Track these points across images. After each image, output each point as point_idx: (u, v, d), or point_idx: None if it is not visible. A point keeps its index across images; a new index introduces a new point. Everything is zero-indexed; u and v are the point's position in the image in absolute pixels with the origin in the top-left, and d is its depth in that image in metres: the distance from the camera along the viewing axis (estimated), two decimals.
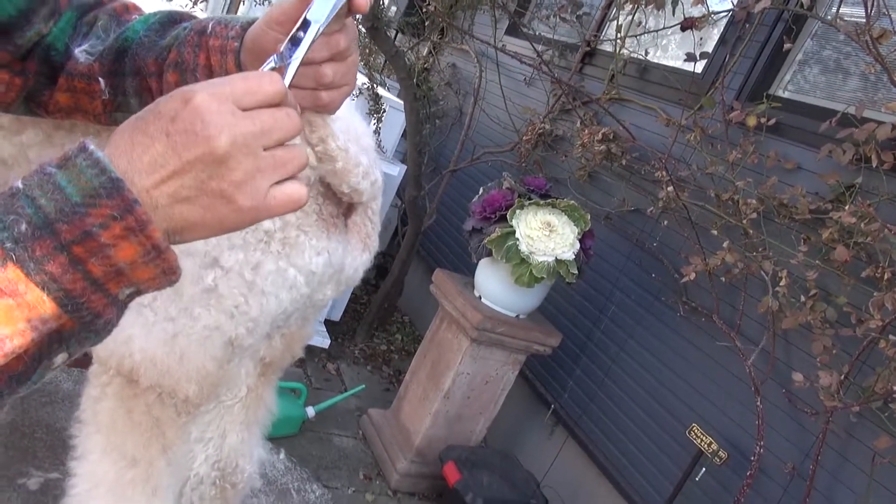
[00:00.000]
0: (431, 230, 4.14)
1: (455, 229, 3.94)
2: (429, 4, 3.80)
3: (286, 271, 1.04)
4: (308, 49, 0.58)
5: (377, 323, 3.95)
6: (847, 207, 2.01)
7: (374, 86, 3.39)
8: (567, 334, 2.95)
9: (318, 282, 1.11)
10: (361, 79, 3.91)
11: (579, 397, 2.93)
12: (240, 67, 0.70)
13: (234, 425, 1.20)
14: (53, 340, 0.47)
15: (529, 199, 2.61)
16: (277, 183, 0.51)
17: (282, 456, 1.49)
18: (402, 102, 3.29)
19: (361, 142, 1.12)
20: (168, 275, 0.49)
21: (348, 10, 0.61)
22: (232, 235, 1.02)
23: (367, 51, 4.14)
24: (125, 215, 0.46)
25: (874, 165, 2.01)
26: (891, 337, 1.89)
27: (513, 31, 4.14)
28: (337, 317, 3.75)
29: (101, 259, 0.46)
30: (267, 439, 2.45)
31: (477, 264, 2.77)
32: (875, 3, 1.96)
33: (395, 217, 4.43)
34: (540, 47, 3.69)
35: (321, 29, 0.59)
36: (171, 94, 0.49)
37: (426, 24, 4.59)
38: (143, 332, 1.01)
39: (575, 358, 3.01)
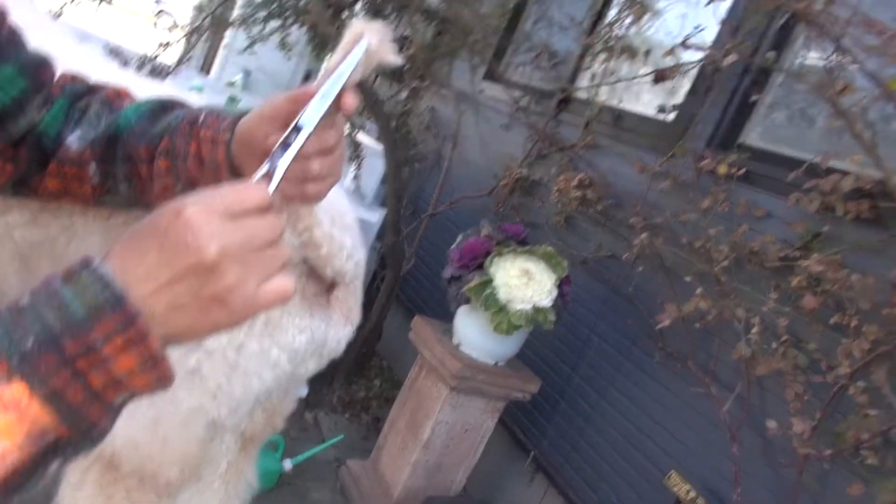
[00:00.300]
0: (410, 274, 4.15)
1: (433, 273, 3.95)
2: (408, 49, 3.87)
3: (269, 351, 1.04)
4: (296, 153, 0.61)
5: (355, 369, 3.92)
6: (814, 256, 2.05)
7: (354, 132, 3.42)
8: (546, 380, 2.95)
9: (300, 359, 1.11)
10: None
11: (559, 444, 2.91)
12: (230, 158, 0.72)
13: (213, 501, 1.19)
14: (50, 451, 0.49)
15: (507, 246, 2.64)
16: (266, 280, 0.54)
17: None
18: (381, 148, 3.32)
19: (345, 220, 1.14)
20: (163, 381, 0.51)
21: (337, 108, 0.64)
22: None
23: None
24: (127, 328, 0.48)
25: (840, 215, 2.06)
26: (859, 383, 1.92)
27: (491, 76, 4.22)
28: None
29: (102, 371, 0.48)
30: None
31: (455, 311, 2.77)
32: (837, 58, 2.04)
33: (373, 261, 4.44)
34: (517, 94, 3.77)
35: (310, 133, 0.62)
36: (163, 208, 0.52)
37: (405, 68, 4.67)
38: (125, 417, 1.00)
39: (554, 404, 3.00)
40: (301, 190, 0.69)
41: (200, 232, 0.50)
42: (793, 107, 2.60)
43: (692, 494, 2.21)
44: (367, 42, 0.64)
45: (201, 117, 0.75)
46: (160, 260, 0.50)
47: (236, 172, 0.73)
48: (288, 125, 0.63)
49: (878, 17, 2.09)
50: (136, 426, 1.01)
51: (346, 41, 0.65)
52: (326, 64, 0.66)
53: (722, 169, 2.45)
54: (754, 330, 2.19)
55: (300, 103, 0.63)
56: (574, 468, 2.81)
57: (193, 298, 0.50)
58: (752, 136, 2.66)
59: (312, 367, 1.17)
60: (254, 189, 0.55)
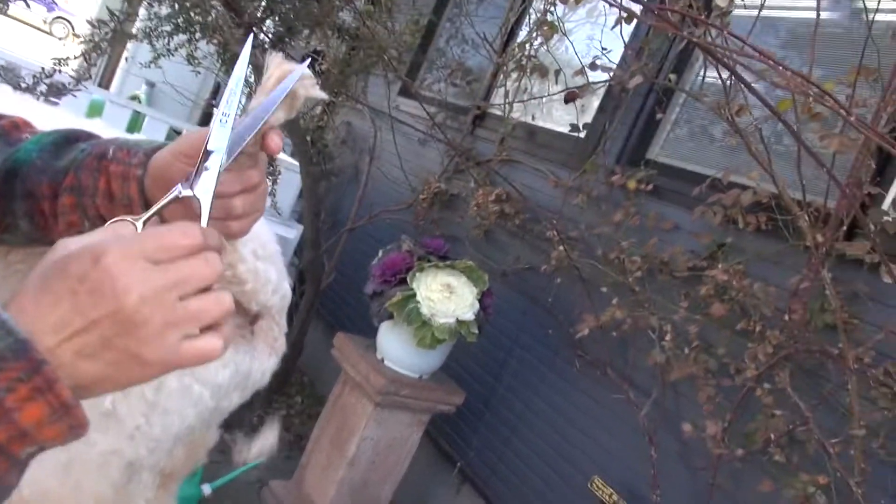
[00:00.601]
0: (331, 288, 4.10)
1: (354, 287, 3.92)
2: (321, 64, 3.84)
3: (190, 388, 1.01)
4: (217, 181, 0.59)
5: (276, 386, 3.83)
6: (719, 266, 2.18)
7: None
8: (470, 391, 2.98)
9: (224, 393, 1.08)
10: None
11: (484, 454, 2.95)
12: (143, 194, 0.69)
13: None
14: None
15: (429, 261, 2.66)
16: (193, 335, 0.50)
17: None
18: (297, 164, 3.28)
19: (269, 252, 1.12)
20: (76, 430, 0.48)
21: (261, 146, 0.63)
22: None
23: None
24: (32, 376, 0.45)
25: (741, 227, 2.21)
26: (765, 385, 2.05)
27: (406, 92, 4.24)
28: None
29: (6, 424, 0.45)
30: None
31: (378, 326, 2.76)
32: (732, 80, 2.18)
33: (291, 277, 4.36)
34: (432, 109, 3.81)
35: (226, 159, 0.59)
36: (79, 252, 0.48)
37: (319, 83, 4.62)
38: (33, 463, 0.94)
39: (479, 414, 3.04)
40: (224, 228, 0.66)
41: (120, 280, 0.46)
42: (695, 125, 2.76)
43: (614, 498, 2.29)
44: (293, 81, 0.64)
45: (110, 151, 0.70)
46: (74, 308, 0.46)
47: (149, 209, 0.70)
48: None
49: (765, 43, 2.26)
50: (45, 472, 0.94)
51: (270, 78, 0.64)
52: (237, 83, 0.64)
53: (631, 184, 2.57)
54: (667, 337, 2.30)
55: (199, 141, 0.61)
56: (500, 477, 2.85)
57: (104, 349, 0.47)
58: (659, 152, 2.80)
59: (236, 399, 1.13)
60: (181, 232, 0.50)
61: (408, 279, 2.58)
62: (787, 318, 1.98)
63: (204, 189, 0.58)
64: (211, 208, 0.57)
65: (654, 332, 2.35)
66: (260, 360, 1.14)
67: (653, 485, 2.28)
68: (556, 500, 2.61)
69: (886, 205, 2.00)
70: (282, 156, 3.54)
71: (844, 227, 1.96)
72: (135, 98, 4.90)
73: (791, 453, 1.94)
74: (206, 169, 0.59)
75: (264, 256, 1.07)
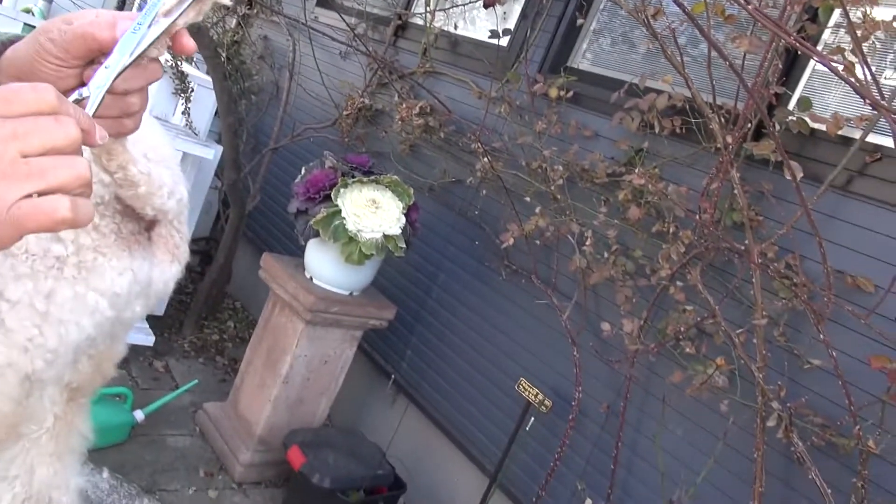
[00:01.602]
0: (257, 211, 4.01)
1: (282, 209, 3.85)
2: None
3: (85, 296, 0.97)
4: (113, 81, 0.56)
5: (206, 312, 3.79)
6: (637, 170, 2.23)
7: (179, 63, 3.18)
8: (402, 306, 3.03)
9: (124, 302, 1.05)
10: (164, 56, 3.64)
11: (417, 365, 3.03)
12: None
13: (42, 458, 1.11)
14: None
15: (353, 176, 2.62)
16: (33, 195, 0.44)
17: (105, 475, 1.41)
18: (210, 80, 3.12)
19: (162, 155, 1.07)
20: None
21: (172, 48, 0.60)
22: (16, 265, 0.94)
23: None
24: None
25: (657, 131, 2.25)
26: (678, 283, 2.15)
27: (324, 3, 4.06)
28: (160, 311, 3.54)
29: None
30: (93, 451, 2.29)
31: (305, 245, 2.74)
32: None
33: (215, 200, 4.23)
34: (352, 20, 3.66)
35: (129, 61, 0.57)
36: None
37: None
38: None
39: (411, 328, 3.09)
40: (118, 126, 0.62)
41: None
42: (616, 31, 2.75)
43: (540, 397, 2.40)
44: None
45: None
46: None
47: None
48: (76, 58, 0.57)
49: None
50: None
51: None
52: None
53: (553, 92, 2.56)
54: (588, 242, 2.36)
55: (90, 42, 0.57)
56: (433, 386, 2.94)
57: None
58: (580, 59, 2.79)
59: (140, 310, 1.11)
60: (34, 86, 0.45)
61: (332, 195, 2.54)
62: (698, 218, 2.06)
63: (97, 85, 0.55)
64: (100, 103, 0.55)
65: (575, 238, 2.41)
66: (161, 268, 1.11)
67: (576, 382, 2.39)
68: (486, 404, 2.72)
69: (792, 105, 2.07)
70: (194, 71, 3.36)
71: (752, 128, 2.03)
72: (28, 11, 4.50)
73: (700, 345, 2.06)
74: (106, 67, 0.56)
75: (156, 160, 1.03)
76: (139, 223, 1.07)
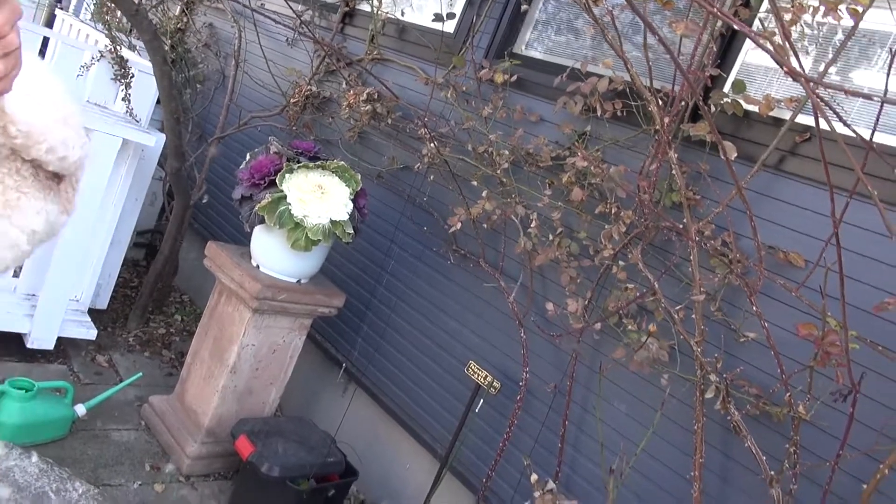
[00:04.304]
0: (205, 203, 3.94)
1: (229, 199, 3.79)
2: None
3: (8, 232, 1.00)
4: None
5: (152, 306, 3.70)
6: (579, 153, 2.27)
7: (118, 48, 3.09)
8: (352, 294, 3.02)
9: (37, 241, 1.07)
10: (103, 40, 3.54)
11: (368, 352, 3.02)
12: None
13: None
14: None
15: (298, 162, 2.59)
16: None
17: (34, 459, 1.37)
18: (150, 65, 3.05)
19: (58, 113, 1.08)
20: None
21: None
22: None
23: (105, 9, 3.76)
24: None
25: (599, 115, 2.29)
26: (620, 263, 2.20)
27: None
28: (103, 304, 3.45)
29: None
30: (32, 446, 2.22)
31: (251, 233, 2.70)
32: None
33: (160, 192, 4.15)
34: (299, 7, 3.62)
35: None
36: None
37: None
38: None
39: (361, 316, 3.08)
40: None
41: None
42: (560, 17, 2.79)
43: (489, 379, 2.42)
44: None
45: None
46: None
47: None
48: None
49: None
50: None
51: None
52: None
53: (498, 77, 2.58)
54: (533, 225, 2.39)
55: None
56: (383, 373, 2.94)
57: None
58: (526, 46, 2.82)
59: (38, 250, 1.14)
60: None
61: (277, 181, 2.51)
62: (638, 198, 2.11)
63: None
64: None
65: (520, 221, 2.44)
66: (62, 217, 1.13)
67: (523, 363, 2.42)
68: (436, 388, 2.73)
69: (727, 87, 2.13)
70: (134, 57, 3.27)
71: (689, 110, 2.08)
72: None
73: (642, 322, 2.11)
74: None
75: (54, 118, 1.04)
76: (49, 173, 1.08)
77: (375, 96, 3.05)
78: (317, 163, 2.61)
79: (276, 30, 3.77)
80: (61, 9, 5.43)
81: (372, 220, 3.02)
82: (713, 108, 2.03)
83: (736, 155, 1.92)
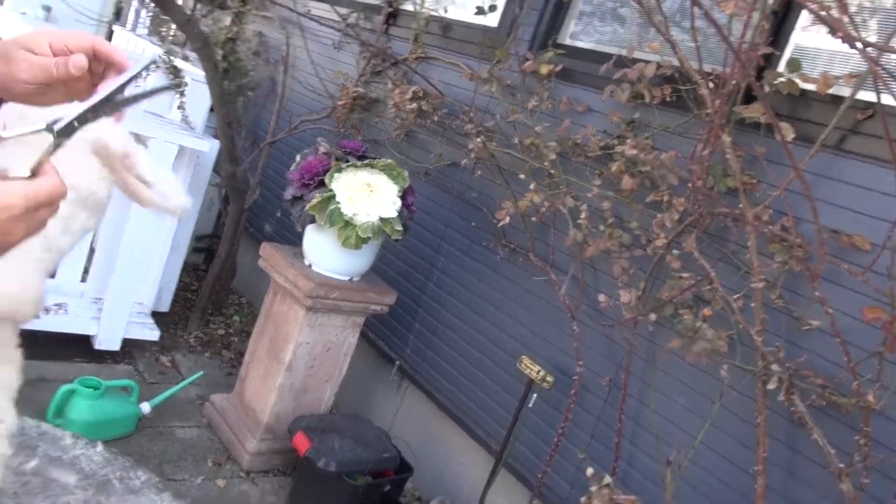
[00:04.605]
0: (259, 207, 4.03)
1: (283, 203, 3.87)
2: None
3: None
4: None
5: (212, 308, 3.81)
6: (628, 141, 2.22)
7: (172, 58, 3.20)
8: (403, 291, 3.03)
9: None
10: (158, 51, 3.66)
11: (420, 349, 3.03)
12: None
13: None
14: None
15: (347, 161, 2.62)
16: None
17: (99, 448, 1.43)
18: (203, 74, 3.14)
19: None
20: None
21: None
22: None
23: (160, 22, 3.88)
24: None
25: (647, 101, 2.24)
26: (674, 252, 2.14)
27: None
28: (165, 307, 3.57)
29: None
30: (101, 443, 2.31)
31: (303, 233, 2.75)
32: None
33: (217, 198, 4.26)
34: (344, 11, 3.67)
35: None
36: None
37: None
38: None
39: (413, 313, 3.10)
40: None
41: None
42: (604, 5, 2.74)
43: (542, 374, 2.40)
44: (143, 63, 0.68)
45: None
46: None
47: None
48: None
49: None
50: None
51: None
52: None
53: (543, 69, 2.56)
54: (583, 216, 2.36)
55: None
56: (436, 370, 2.95)
57: None
58: (570, 35, 2.78)
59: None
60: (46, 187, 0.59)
61: (326, 180, 2.55)
62: (691, 185, 2.05)
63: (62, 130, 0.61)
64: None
65: (570, 212, 2.41)
66: None
67: (576, 357, 2.39)
68: (489, 384, 2.72)
69: (781, 66, 2.05)
70: (188, 67, 3.38)
71: (741, 92, 2.01)
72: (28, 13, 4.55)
73: (698, 311, 2.05)
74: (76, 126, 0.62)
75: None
76: None
77: (421, 94, 3.06)
78: (364, 161, 2.63)
79: (323, 34, 3.83)
80: (119, 25, 5.64)
81: (421, 218, 3.03)
82: (767, 89, 1.96)
83: (793, 136, 1.85)
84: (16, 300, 1.15)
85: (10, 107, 0.73)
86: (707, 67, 2.08)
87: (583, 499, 2.06)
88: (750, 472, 1.92)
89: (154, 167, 1.32)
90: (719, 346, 1.96)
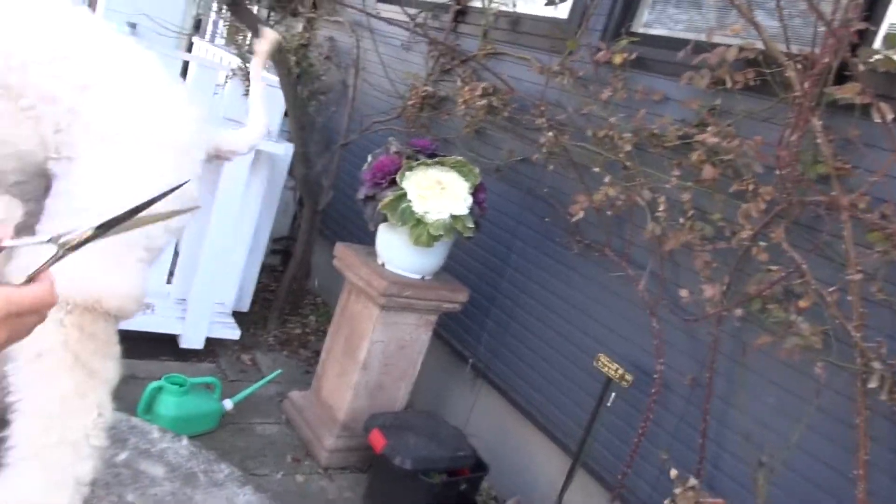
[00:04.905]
0: (333, 208, 4.10)
1: (356, 204, 3.92)
2: None
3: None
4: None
5: (288, 308, 3.90)
6: (709, 129, 2.13)
7: (247, 66, 3.29)
8: (475, 289, 3.01)
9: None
10: (235, 61, 3.78)
11: (494, 347, 3.00)
12: None
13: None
14: None
15: (417, 159, 2.63)
16: None
17: (184, 442, 1.47)
18: (277, 79, 3.21)
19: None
20: None
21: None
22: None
23: (236, 31, 4.01)
24: None
25: (729, 86, 2.14)
26: (761, 243, 2.04)
27: None
28: (245, 307, 3.67)
29: None
30: (188, 438, 2.39)
31: (376, 232, 2.77)
32: None
33: (291, 200, 4.36)
34: (413, 11, 3.69)
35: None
36: None
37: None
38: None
39: (486, 311, 3.08)
40: None
41: None
42: None
43: (620, 372, 2.32)
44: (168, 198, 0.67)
45: None
46: None
47: None
48: None
49: None
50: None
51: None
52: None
53: (617, 58, 2.48)
54: (661, 208, 2.27)
55: None
56: (511, 368, 2.91)
57: None
58: (644, 23, 2.69)
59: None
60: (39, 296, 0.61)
61: (397, 179, 2.56)
62: (778, 172, 1.94)
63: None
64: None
65: (647, 205, 2.33)
66: None
67: (656, 355, 2.31)
68: (565, 383, 2.67)
69: (877, 43, 1.92)
70: (262, 73, 3.46)
71: (832, 72, 1.89)
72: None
73: (788, 306, 1.94)
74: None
75: None
76: None
77: (490, 90, 3.04)
78: (435, 159, 2.63)
79: (392, 35, 3.86)
80: (199, 37, 5.87)
81: (492, 215, 3.01)
82: (862, 67, 1.83)
83: (893, 116, 1.72)
84: (123, 298, 1.18)
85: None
86: (793, 48, 1.96)
87: (666, 501, 1.98)
88: (849, 476, 1.80)
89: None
90: (813, 342, 1.85)
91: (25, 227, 1.20)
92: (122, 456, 1.38)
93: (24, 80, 1.09)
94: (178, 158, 1.23)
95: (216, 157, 1.43)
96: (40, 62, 1.10)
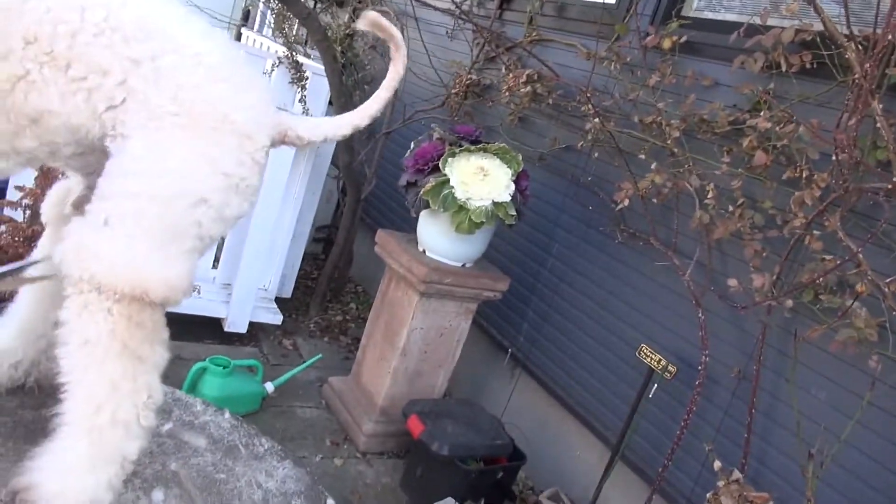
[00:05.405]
0: (375, 197, 4.12)
1: (398, 193, 3.93)
2: None
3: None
4: None
5: (330, 295, 3.93)
6: (763, 113, 2.06)
7: (294, 54, 3.32)
8: (516, 278, 2.99)
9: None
10: (282, 50, 3.81)
11: (533, 337, 2.98)
12: None
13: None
14: None
15: (460, 146, 2.61)
16: None
17: (227, 416, 1.49)
18: (322, 68, 3.24)
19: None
20: None
21: None
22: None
23: (283, 20, 4.05)
24: None
25: (784, 70, 2.07)
26: (814, 232, 1.96)
27: None
28: (288, 293, 3.72)
29: None
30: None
31: (417, 219, 2.77)
32: None
33: (335, 188, 4.39)
34: None
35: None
36: None
37: None
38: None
39: (526, 300, 3.05)
40: None
41: None
42: None
43: (663, 363, 2.27)
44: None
45: None
46: None
47: None
48: None
49: None
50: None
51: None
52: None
53: (667, 42, 2.43)
54: (710, 196, 2.21)
55: None
56: (550, 358, 2.88)
57: None
58: (694, 7, 2.63)
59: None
60: None
61: (440, 165, 2.55)
62: (834, 158, 1.87)
63: None
64: None
65: (695, 192, 2.27)
66: None
67: (701, 346, 2.25)
68: (605, 373, 2.63)
69: None
70: (308, 61, 3.49)
71: (895, 53, 1.81)
72: None
73: (843, 297, 1.87)
74: None
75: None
76: None
77: (535, 77, 3.00)
78: (478, 146, 2.61)
79: (437, 23, 3.85)
80: (247, 27, 5.96)
81: (534, 203, 2.98)
82: None
83: None
84: (170, 289, 1.15)
85: None
86: (854, 29, 1.88)
87: (709, 494, 1.93)
88: None
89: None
90: (868, 334, 1.78)
91: (86, 200, 1.19)
92: (167, 426, 1.41)
93: (71, 49, 1.08)
94: (239, 143, 1.19)
95: (282, 143, 1.37)
96: (90, 32, 1.09)
